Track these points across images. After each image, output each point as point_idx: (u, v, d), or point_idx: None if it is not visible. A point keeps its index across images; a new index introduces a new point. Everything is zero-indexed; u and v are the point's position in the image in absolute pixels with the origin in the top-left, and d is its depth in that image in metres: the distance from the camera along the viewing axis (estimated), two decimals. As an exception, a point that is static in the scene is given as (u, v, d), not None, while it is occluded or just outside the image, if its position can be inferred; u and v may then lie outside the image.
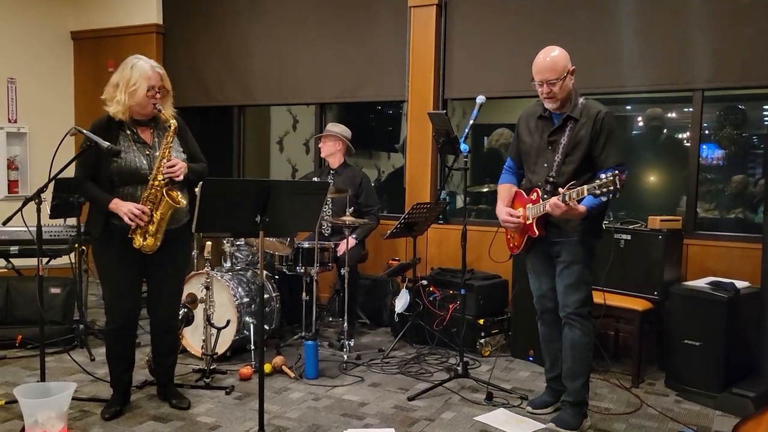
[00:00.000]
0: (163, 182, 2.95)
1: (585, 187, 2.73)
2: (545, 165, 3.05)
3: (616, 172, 2.62)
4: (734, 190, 4.88)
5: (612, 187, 2.61)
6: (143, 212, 2.90)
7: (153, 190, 2.95)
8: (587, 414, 3.15)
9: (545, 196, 2.99)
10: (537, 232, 3.03)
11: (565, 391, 3.27)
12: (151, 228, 2.94)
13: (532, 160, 3.13)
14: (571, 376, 3.09)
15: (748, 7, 4.02)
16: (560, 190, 2.90)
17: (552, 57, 2.96)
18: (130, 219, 2.89)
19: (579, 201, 2.81)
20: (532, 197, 3.06)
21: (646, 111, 5.15)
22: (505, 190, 3.26)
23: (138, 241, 2.96)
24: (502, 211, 3.18)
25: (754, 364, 3.51)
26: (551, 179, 2.99)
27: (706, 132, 4.71)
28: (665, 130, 5.09)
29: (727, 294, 3.46)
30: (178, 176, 2.97)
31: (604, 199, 2.68)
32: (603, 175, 2.67)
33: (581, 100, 3.03)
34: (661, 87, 4.38)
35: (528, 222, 3.06)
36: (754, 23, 4.01)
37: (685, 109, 4.59)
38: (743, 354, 3.52)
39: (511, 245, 3.27)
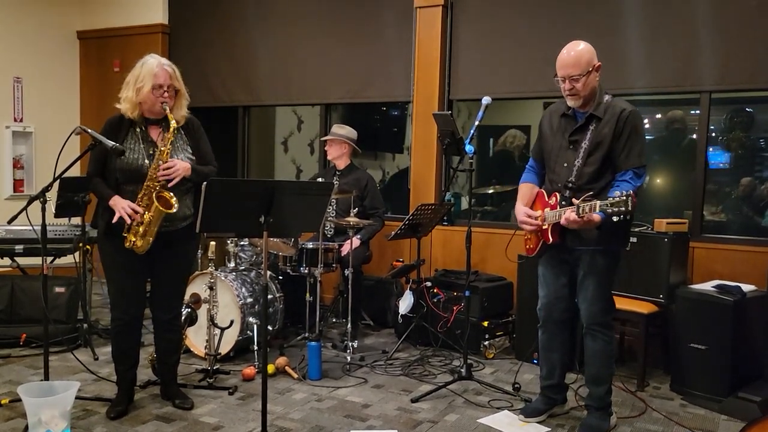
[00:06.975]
0: (157, 183, 2.93)
1: (598, 202, 2.63)
2: (565, 165, 2.92)
3: (630, 192, 2.53)
4: (741, 192, 4.85)
5: (623, 208, 2.52)
6: (135, 211, 2.89)
7: (147, 191, 2.93)
8: (612, 412, 3.12)
9: (563, 202, 2.87)
10: (551, 239, 2.92)
11: (559, 400, 3.27)
12: (140, 229, 2.92)
13: (552, 159, 3.00)
14: (594, 382, 3.05)
15: (756, 9, 4.00)
16: (574, 201, 2.75)
17: (576, 52, 2.82)
18: (123, 216, 2.88)
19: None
20: (551, 201, 2.95)
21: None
22: (526, 189, 3.13)
23: (129, 241, 2.95)
24: (521, 211, 3.03)
25: (761, 368, 3.49)
26: (570, 185, 2.87)
27: (714, 134, 4.68)
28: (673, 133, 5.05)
29: (734, 297, 3.44)
30: (173, 178, 2.94)
31: (615, 219, 2.55)
32: (617, 192, 2.57)
33: (606, 97, 2.90)
34: (668, 89, 4.35)
35: (544, 227, 2.95)
36: (762, 25, 3.99)
37: (692, 112, 4.56)
38: (749, 358, 3.50)
39: (527, 246, 3.16)
